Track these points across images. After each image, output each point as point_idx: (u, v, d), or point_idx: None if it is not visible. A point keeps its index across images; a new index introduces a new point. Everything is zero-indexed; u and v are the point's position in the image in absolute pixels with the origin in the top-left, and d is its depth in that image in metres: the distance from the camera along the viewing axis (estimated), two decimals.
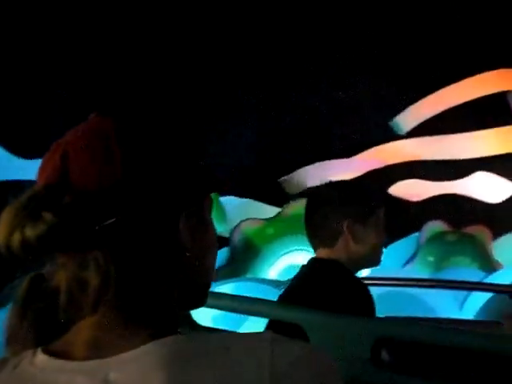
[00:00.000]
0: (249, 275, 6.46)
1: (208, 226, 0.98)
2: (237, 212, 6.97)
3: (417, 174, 10.68)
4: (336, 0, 10.59)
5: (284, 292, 2.22)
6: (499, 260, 8.15)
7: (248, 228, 6.72)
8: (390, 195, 10.21)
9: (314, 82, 10.53)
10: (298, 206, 6.91)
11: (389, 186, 10.28)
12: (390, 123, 10.76)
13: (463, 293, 6.07)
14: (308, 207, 2.29)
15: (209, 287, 0.99)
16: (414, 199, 10.31)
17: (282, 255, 6.75)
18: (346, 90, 10.57)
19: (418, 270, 7.42)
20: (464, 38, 10.45)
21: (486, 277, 6.80)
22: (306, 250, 6.68)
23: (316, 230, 2.25)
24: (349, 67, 10.41)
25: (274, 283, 5.63)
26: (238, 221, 6.76)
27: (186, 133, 0.95)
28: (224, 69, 9.99)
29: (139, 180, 0.88)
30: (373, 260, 2.26)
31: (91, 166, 0.87)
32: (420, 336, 1.89)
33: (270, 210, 7.40)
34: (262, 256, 6.68)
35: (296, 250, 6.73)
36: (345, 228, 2.20)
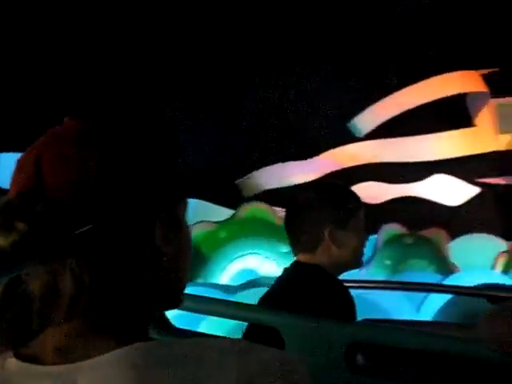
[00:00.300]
0: (200, 280, 6.32)
1: (183, 229, 0.98)
2: (189, 214, 6.80)
3: (375, 176, 10.63)
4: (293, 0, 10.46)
5: (265, 295, 2.23)
6: (456, 263, 8.12)
7: (199, 231, 6.56)
8: None
9: (272, 82, 10.44)
10: (252, 209, 6.80)
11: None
12: (349, 125, 10.70)
13: (419, 295, 6.10)
14: (288, 212, 2.29)
15: (184, 289, 0.99)
16: (372, 201, 10.22)
17: (235, 259, 6.61)
18: (304, 91, 10.47)
19: (375, 273, 7.36)
20: (424, 39, 10.43)
21: (442, 280, 6.80)
22: (259, 254, 6.58)
23: (297, 235, 2.26)
24: (308, 67, 10.32)
25: (225, 288, 5.51)
26: (190, 223, 6.60)
27: (159, 135, 0.95)
28: (177, 70, 9.86)
29: (114, 185, 0.88)
30: (355, 263, 2.29)
31: (65, 173, 0.87)
32: (395, 340, 1.92)
33: (224, 212, 7.25)
34: (214, 260, 6.55)
35: (249, 253, 6.61)
36: (326, 234, 2.20)
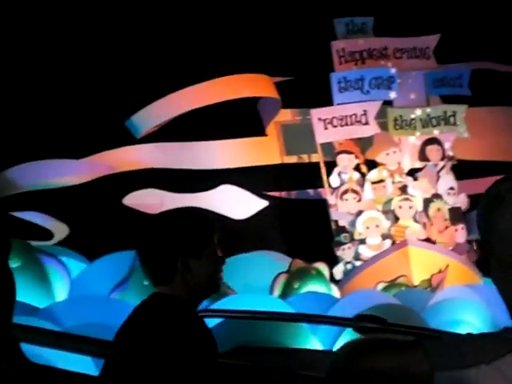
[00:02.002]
0: None
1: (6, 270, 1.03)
2: None
3: (154, 182, 9.88)
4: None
5: (122, 327, 2.33)
6: (230, 284, 7.47)
7: None
8: (124, 205, 9.24)
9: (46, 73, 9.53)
10: None
11: (122, 195, 9.31)
12: (126, 123, 9.69)
13: None
14: (141, 244, 2.37)
15: (9, 329, 1.03)
16: (149, 211, 9.28)
17: None
18: (79, 86, 9.66)
19: (130, 295, 6.39)
20: (207, 38, 10.02)
21: (212, 304, 6.39)
22: None
23: (152, 267, 2.34)
24: (90, 60, 9.74)
25: None
26: None
27: None
28: None
29: None
30: (212, 287, 2.37)
31: None
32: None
33: None
34: None
35: None
36: (179, 264, 2.28)
